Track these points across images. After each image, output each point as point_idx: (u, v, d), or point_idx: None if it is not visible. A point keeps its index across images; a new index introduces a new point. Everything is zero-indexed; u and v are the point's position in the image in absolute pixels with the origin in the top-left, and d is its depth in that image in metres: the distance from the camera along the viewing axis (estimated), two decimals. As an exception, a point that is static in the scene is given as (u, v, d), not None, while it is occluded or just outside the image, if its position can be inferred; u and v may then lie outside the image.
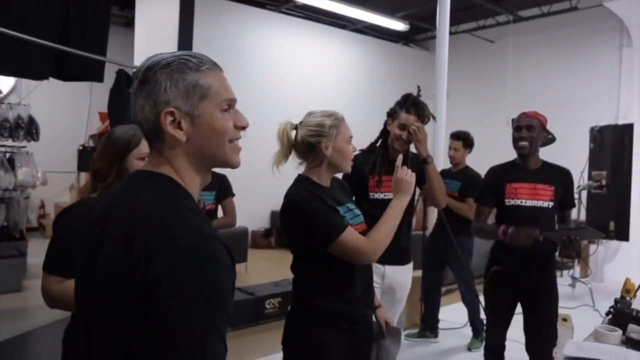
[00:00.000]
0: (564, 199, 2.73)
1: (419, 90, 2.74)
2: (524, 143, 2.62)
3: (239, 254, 5.74)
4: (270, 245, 8.27)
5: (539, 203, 2.64)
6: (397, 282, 2.58)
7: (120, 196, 0.98)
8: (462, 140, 4.11)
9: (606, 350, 1.84)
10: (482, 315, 4.02)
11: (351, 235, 1.77)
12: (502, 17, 8.90)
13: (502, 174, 2.74)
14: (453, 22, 8.98)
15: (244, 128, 1.04)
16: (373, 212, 2.27)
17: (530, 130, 2.61)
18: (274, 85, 7.85)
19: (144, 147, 1.67)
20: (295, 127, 1.88)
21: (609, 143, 6.15)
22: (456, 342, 4.22)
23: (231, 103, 1.01)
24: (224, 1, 7.58)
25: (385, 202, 2.55)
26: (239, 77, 7.56)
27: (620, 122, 6.87)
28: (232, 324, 4.00)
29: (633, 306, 2.19)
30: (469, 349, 4.05)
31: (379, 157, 2.58)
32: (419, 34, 9.85)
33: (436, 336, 4.23)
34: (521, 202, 2.66)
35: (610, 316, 2.22)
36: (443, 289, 4.46)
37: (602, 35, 7.93)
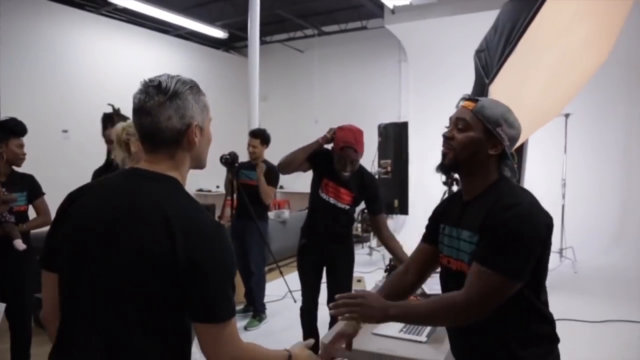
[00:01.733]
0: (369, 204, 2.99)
1: (113, 108, 3.02)
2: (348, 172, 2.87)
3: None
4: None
5: (338, 204, 2.92)
6: None
7: (134, 191, 1.08)
8: (260, 137, 4.13)
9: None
10: (265, 299, 4.23)
11: None
12: (309, 31, 9.40)
13: (326, 164, 2.88)
14: (267, 33, 9.33)
15: None
16: None
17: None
18: (96, 88, 7.11)
19: None
20: None
21: (392, 137, 7.06)
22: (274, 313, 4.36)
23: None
24: (34, -2, 6.64)
25: None
26: (58, 79, 6.70)
27: (401, 120, 7.91)
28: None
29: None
30: (245, 329, 3.99)
31: None
32: (238, 42, 9.95)
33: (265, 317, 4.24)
34: (328, 198, 2.92)
35: (387, 273, 2.74)
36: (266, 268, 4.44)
37: (385, 51, 8.79)
